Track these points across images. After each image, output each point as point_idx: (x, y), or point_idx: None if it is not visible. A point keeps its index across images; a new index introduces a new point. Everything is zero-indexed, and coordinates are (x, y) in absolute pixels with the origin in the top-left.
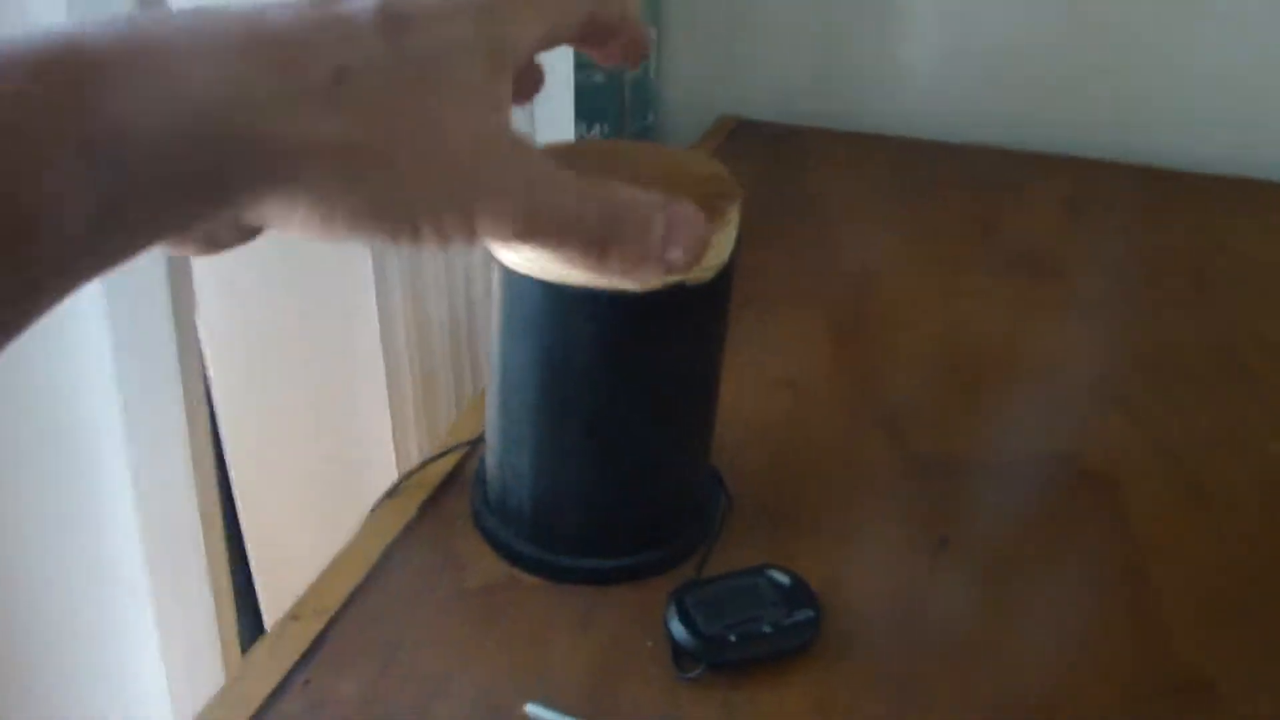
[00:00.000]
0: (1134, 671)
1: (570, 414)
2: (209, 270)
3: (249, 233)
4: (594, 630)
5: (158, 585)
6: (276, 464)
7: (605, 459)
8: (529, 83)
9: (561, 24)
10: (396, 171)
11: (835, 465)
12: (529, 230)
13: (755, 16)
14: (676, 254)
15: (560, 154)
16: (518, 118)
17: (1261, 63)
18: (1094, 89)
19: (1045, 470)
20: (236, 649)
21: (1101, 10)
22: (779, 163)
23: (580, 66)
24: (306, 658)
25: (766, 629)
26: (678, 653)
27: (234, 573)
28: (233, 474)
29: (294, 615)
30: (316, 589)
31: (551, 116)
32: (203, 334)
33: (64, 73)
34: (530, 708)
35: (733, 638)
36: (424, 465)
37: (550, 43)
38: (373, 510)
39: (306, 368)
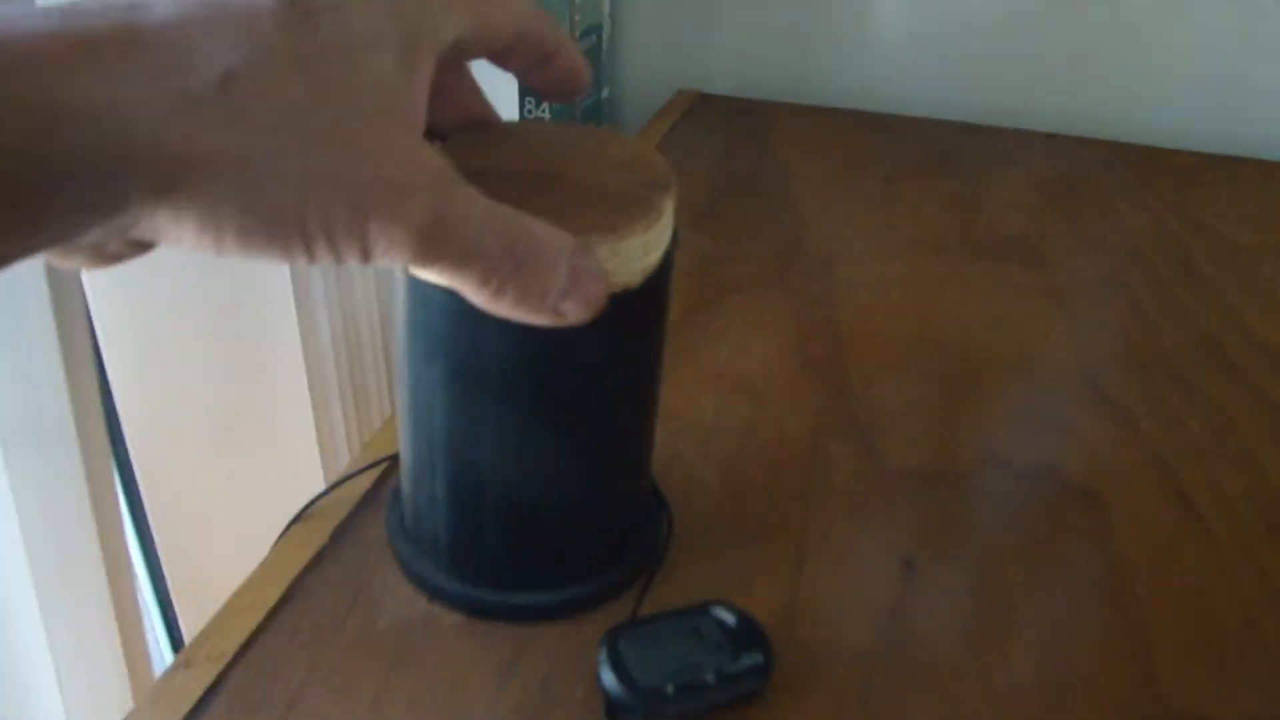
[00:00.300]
0: (1121, 705)
1: (485, 435)
2: (113, 279)
3: (141, 246)
4: (520, 675)
5: (51, 611)
6: (193, 482)
7: (527, 484)
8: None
9: (488, 28)
10: (288, 183)
11: (794, 479)
12: (426, 252)
13: None
14: (571, 308)
15: (475, 152)
16: None
17: (1243, 36)
18: (1073, 63)
19: (1025, 482)
20: (150, 680)
21: None
22: (741, 139)
23: None
24: (196, 710)
25: (709, 678)
26: (611, 707)
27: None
28: (146, 498)
29: (185, 662)
30: (212, 631)
31: (495, 93)
32: (105, 342)
33: None
34: None
35: (671, 689)
36: (335, 486)
37: (476, 47)
38: (280, 538)
39: (220, 374)
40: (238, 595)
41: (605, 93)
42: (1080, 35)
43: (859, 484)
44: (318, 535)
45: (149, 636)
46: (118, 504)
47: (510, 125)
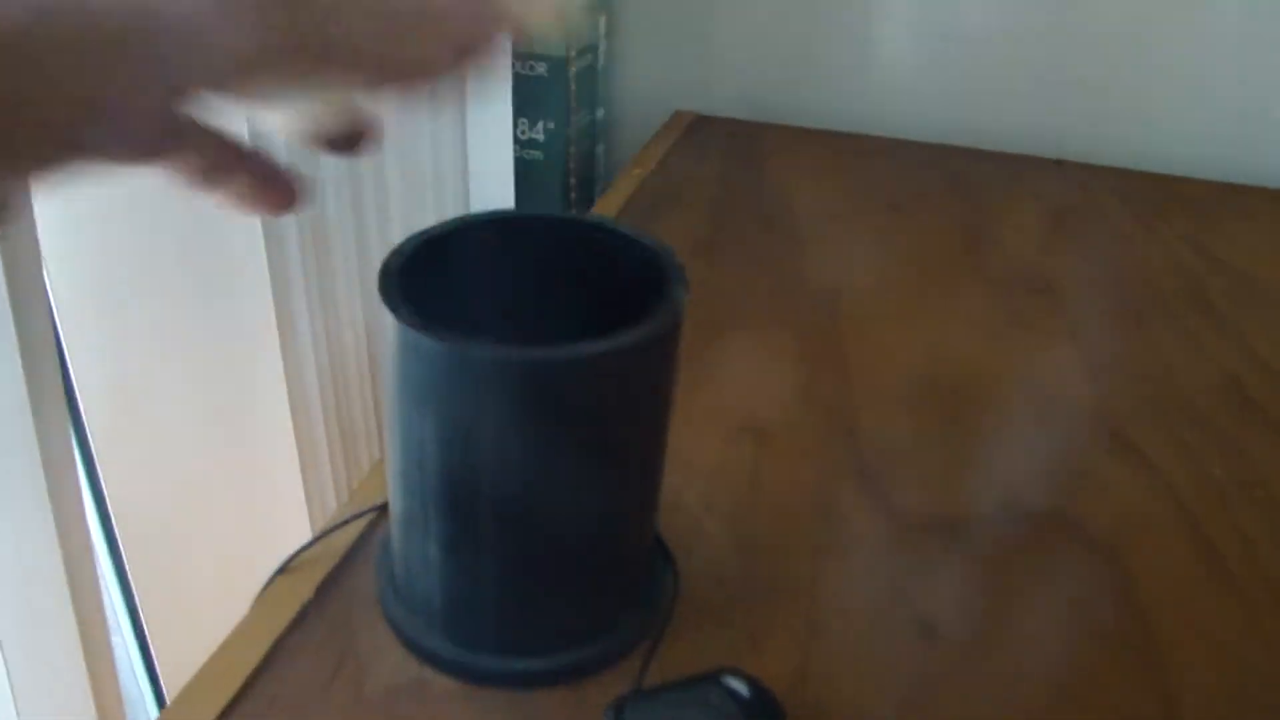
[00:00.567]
0: None
1: (482, 494)
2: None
3: None
4: None
5: (16, 658)
6: (172, 526)
7: (527, 545)
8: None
9: None
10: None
11: (804, 530)
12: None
13: (716, 1)
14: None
15: None
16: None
17: (1259, 62)
18: (1082, 87)
19: (1043, 531)
20: None
21: (1092, 2)
22: (740, 164)
23: (518, 56)
24: None
25: None
26: None
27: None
28: (124, 544)
29: None
30: (187, 698)
31: (487, 113)
32: (80, 384)
33: None
34: None
35: None
36: (320, 537)
37: None
38: (262, 591)
39: (200, 413)
40: (215, 658)
41: (600, 113)
42: (1089, 59)
43: (871, 536)
44: (302, 589)
45: (129, 689)
46: (92, 550)
47: None
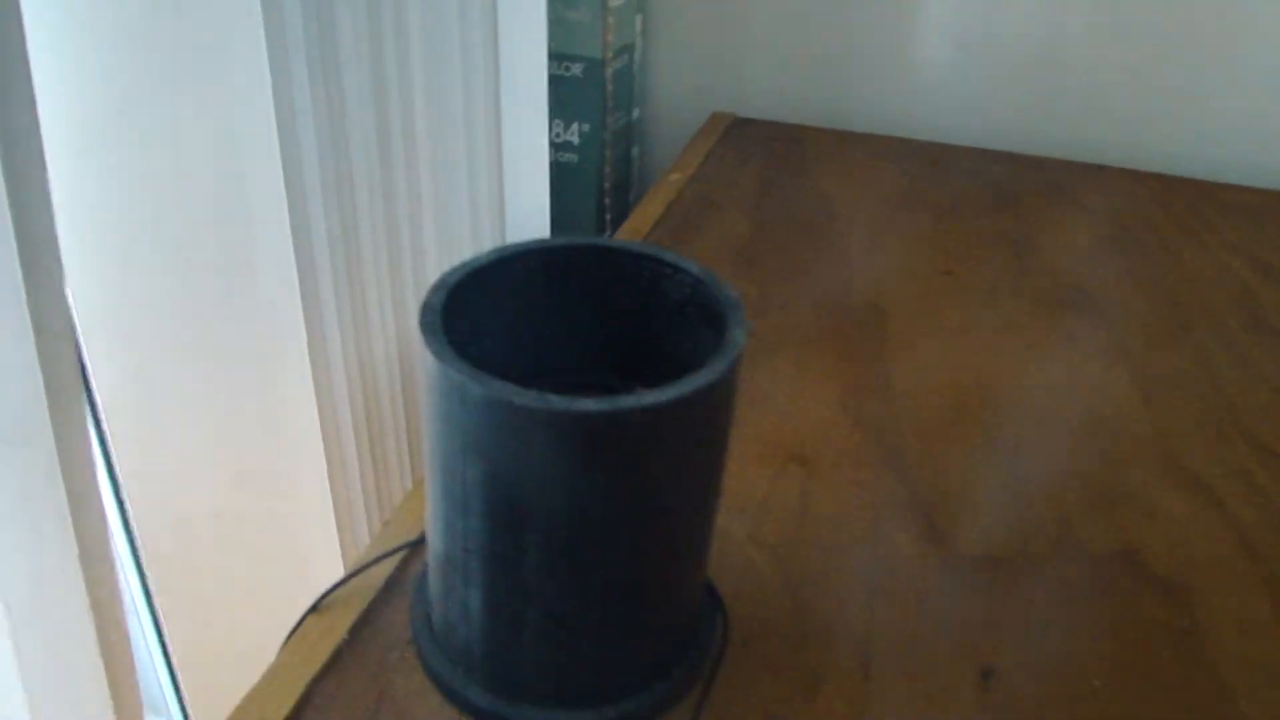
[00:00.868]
0: None
1: (528, 544)
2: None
3: None
4: None
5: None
6: (202, 558)
7: (573, 595)
8: None
9: None
10: None
11: (857, 568)
12: None
13: (754, 1)
14: None
15: None
16: (479, 121)
17: None
18: (1126, 91)
19: (1105, 570)
20: None
21: (1135, 3)
22: (780, 169)
23: (555, 57)
24: None
25: None
26: None
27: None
28: (153, 582)
29: None
30: None
31: (522, 115)
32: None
33: None
34: None
35: None
36: (353, 575)
37: None
38: (292, 633)
39: (230, 438)
40: (244, 707)
41: (636, 113)
42: (1134, 61)
43: (925, 574)
44: (335, 630)
45: None
46: (119, 587)
47: None
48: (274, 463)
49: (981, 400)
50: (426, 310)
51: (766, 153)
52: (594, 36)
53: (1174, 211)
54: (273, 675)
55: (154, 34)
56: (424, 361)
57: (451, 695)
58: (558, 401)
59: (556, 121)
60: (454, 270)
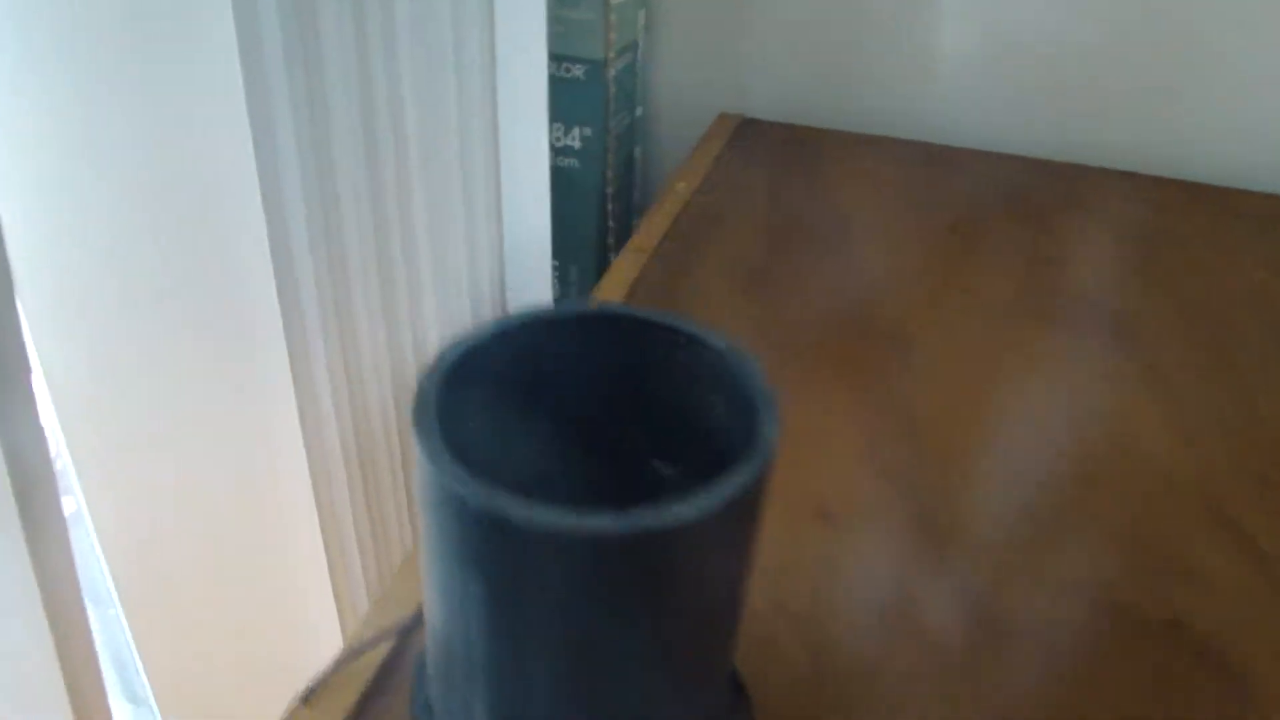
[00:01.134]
0: None
1: (535, 659)
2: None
3: None
4: None
5: None
6: (187, 625)
7: (587, 709)
8: None
9: None
10: None
11: (888, 644)
12: None
13: None
14: None
15: None
16: (475, 126)
17: None
18: (1149, 94)
19: (1146, 635)
20: None
21: (1163, 5)
22: (791, 174)
23: (555, 58)
24: None
25: None
26: None
27: None
28: (139, 652)
29: None
30: None
31: (521, 118)
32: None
33: None
34: None
35: None
36: (346, 661)
37: None
38: None
39: (214, 494)
40: None
41: (639, 112)
42: (1157, 63)
43: (961, 647)
44: None
45: None
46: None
47: None
48: (263, 522)
49: (1007, 441)
50: (420, 401)
51: (775, 156)
52: (596, 36)
53: (1198, 221)
54: None
55: (121, 35)
56: (418, 472)
57: None
58: (565, 518)
59: (556, 125)
60: (447, 350)
